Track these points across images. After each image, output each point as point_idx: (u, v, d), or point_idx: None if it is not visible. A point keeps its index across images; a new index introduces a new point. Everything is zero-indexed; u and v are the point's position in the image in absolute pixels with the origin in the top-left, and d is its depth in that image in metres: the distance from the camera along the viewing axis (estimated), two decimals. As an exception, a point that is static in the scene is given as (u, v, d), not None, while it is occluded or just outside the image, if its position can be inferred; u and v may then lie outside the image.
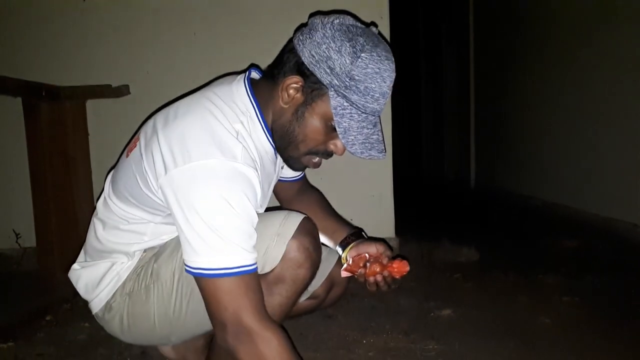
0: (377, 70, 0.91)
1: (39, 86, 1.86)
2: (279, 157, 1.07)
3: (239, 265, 0.87)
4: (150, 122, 1.02)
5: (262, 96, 1.00)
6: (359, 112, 0.94)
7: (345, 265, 1.17)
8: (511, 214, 3.68)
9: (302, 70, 0.94)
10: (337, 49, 0.90)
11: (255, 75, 1.07)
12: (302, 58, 0.93)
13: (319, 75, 0.92)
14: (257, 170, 0.93)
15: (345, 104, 0.93)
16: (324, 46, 0.91)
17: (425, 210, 4.16)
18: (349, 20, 0.95)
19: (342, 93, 0.92)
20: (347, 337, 1.46)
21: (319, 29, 0.92)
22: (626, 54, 2.66)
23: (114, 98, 2.13)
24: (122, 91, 2.13)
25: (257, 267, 0.90)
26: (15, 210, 2.16)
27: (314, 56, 0.92)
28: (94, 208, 1.15)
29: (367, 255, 1.15)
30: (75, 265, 1.15)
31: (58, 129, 1.98)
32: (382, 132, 0.99)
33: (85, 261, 1.14)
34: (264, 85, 1.01)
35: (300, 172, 1.30)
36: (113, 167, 1.15)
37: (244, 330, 0.86)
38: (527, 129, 3.97)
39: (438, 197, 5.24)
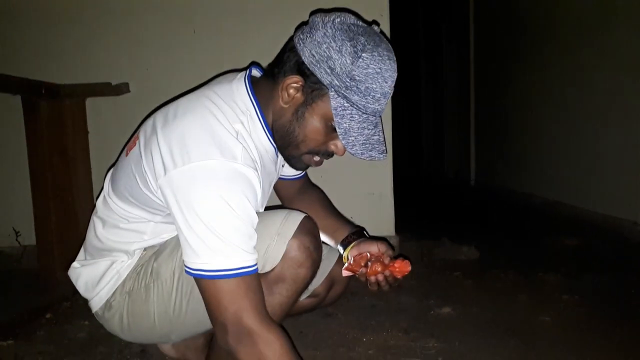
0: (379, 70, 0.90)
1: (38, 84, 1.86)
2: (279, 156, 1.06)
3: (239, 266, 0.86)
4: (149, 121, 1.01)
5: (263, 95, 0.99)
6: (360, 113, 0.93)
7: (346, 265, 1.16)
8: (511, 213, 3.68)
9: (302, 69, 0.93)
10: (337, 48, 0.89)
11: (256, 73, 1.06)
12: (303, 57, 0.92)
13: (319, 76, 0.91)
14: (257, 171, 0.92)
15: (346, 104, 0.92)
16: (325, 46, 0.89)
17: (425, 209, 4.16)
18: (350, 18, 0.93)
19: (342, 93, 0.91)
20: (347, 335, 1.46)
21: (320, 28, 0.90)
22: (626, 54, 2.66)
23: (114, 96, 2.13)
24: (121, 89, 2.13)
25: (257, 268, 0.90)
26: (15, 208, 2.16)
27: (314, 56, 0.90)
28: (94, 206, 1.14)
29: (368, 254, 1.14)
30: (75, 264, 1.15)
31: (58, 126, 1.98)
32: (383, 133, 0.98)
33: (85, 259, 1.14)
34: (264, 84, 1.00)
35: (302, 171, 1.29)
36: (113, 165, 1.15)
37: (245, 332, 0.86)
38: (527, 128, 3.98)
39: (438, 196, 5.23)
